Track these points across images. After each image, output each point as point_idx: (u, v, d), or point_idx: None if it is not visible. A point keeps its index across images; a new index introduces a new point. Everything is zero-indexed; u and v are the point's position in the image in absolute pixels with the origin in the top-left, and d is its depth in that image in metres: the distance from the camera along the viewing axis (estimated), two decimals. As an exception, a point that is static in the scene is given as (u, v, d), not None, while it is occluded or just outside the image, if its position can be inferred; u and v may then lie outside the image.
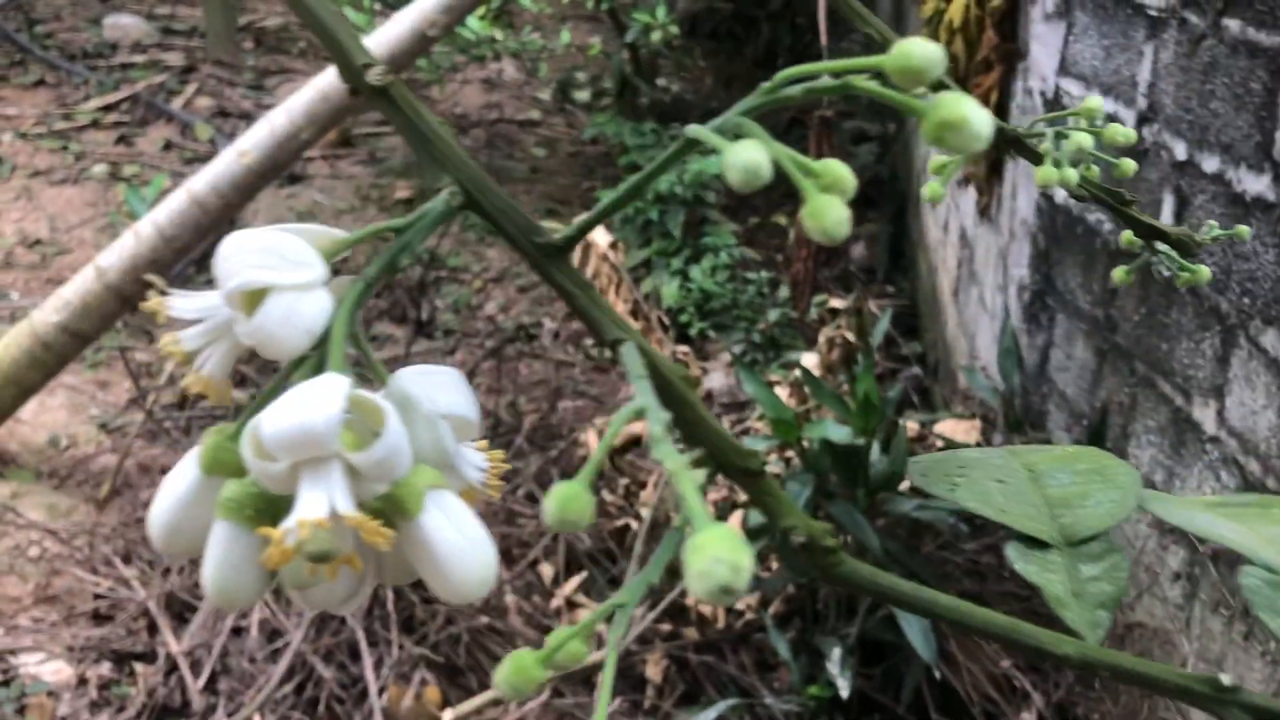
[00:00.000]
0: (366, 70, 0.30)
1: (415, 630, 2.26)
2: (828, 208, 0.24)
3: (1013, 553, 0.34)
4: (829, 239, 0.24)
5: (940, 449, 2.17)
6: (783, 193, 4.14)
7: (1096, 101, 0.46)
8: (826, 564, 0.28)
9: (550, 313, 3.50)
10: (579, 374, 3.22)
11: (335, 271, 0.30)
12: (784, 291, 3.50)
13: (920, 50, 0.24)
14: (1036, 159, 0.47)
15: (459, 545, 0.28)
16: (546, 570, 2.45)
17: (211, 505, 0.29)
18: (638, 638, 2.20)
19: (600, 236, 2.82)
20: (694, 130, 0.26)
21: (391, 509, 0.29)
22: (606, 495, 2.65)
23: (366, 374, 0.31)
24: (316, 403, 0.27)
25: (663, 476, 2.40)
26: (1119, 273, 0.50)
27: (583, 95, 4.92)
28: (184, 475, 0.30)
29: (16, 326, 2.59)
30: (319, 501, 0.27)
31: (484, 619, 2.29)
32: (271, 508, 0.28)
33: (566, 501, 0.24)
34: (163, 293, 0.31)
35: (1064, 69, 2.03)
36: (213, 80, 5.10)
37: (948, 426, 2.33)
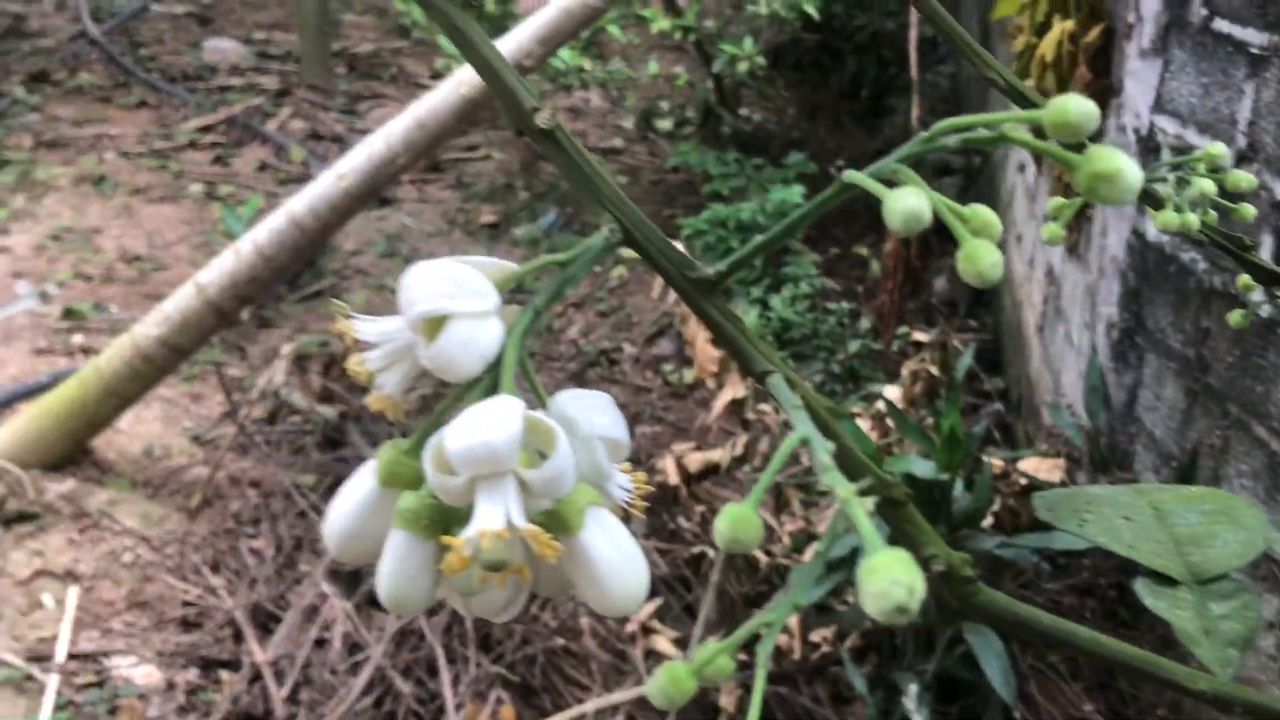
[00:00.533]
0: (534, 114, 0.32)
1: (492, 649, 2.29)
2: (982, 252, 0.25)
3: (1142, 588, 0.35)
4: (983, 281, 0.26)
5: (1024, 486, 2.14)
6: (864, 224, 4.13)
7: (1218, 148, 0.47)
8: (964, 593, 0.29)
9: (630, 338, 3.53)
10: (657, 400, 3.23)
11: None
12: (865, 322, 3.48)
13: (1077, 106, 0.25)
14: (1156, 204, 0.48)
15: (616, 561, 0.30)
16: (622, 595, 2.46)
17: (385, 515, 0.31)
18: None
19: (683, 264, 2.84)
20: (851, 176, 0.28)
21: (553, 524, 0.30)
22: (682, 522, 2.65)
23: (529, 396, 0.33)
24: (497, 422, 0.29)
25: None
26: (1235, 316, 0.51)
27: (665, 124, 4.97)
28: (361, 486, 0.33)
29: (118, 339, 2.69)
30: (497, 514, 0.29)
31: (559, 640, 2.31)
32: (444, 519, 0.30)
33: (738, 523, 0.25)
34: (348, 316, 0.33)
35: (1159, 106, 2.01)
36: (306, 104, 5.24)
37: (1032, 464, 2.30)
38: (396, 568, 0.31)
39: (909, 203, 0.25)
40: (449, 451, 0.29)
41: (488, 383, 0.31)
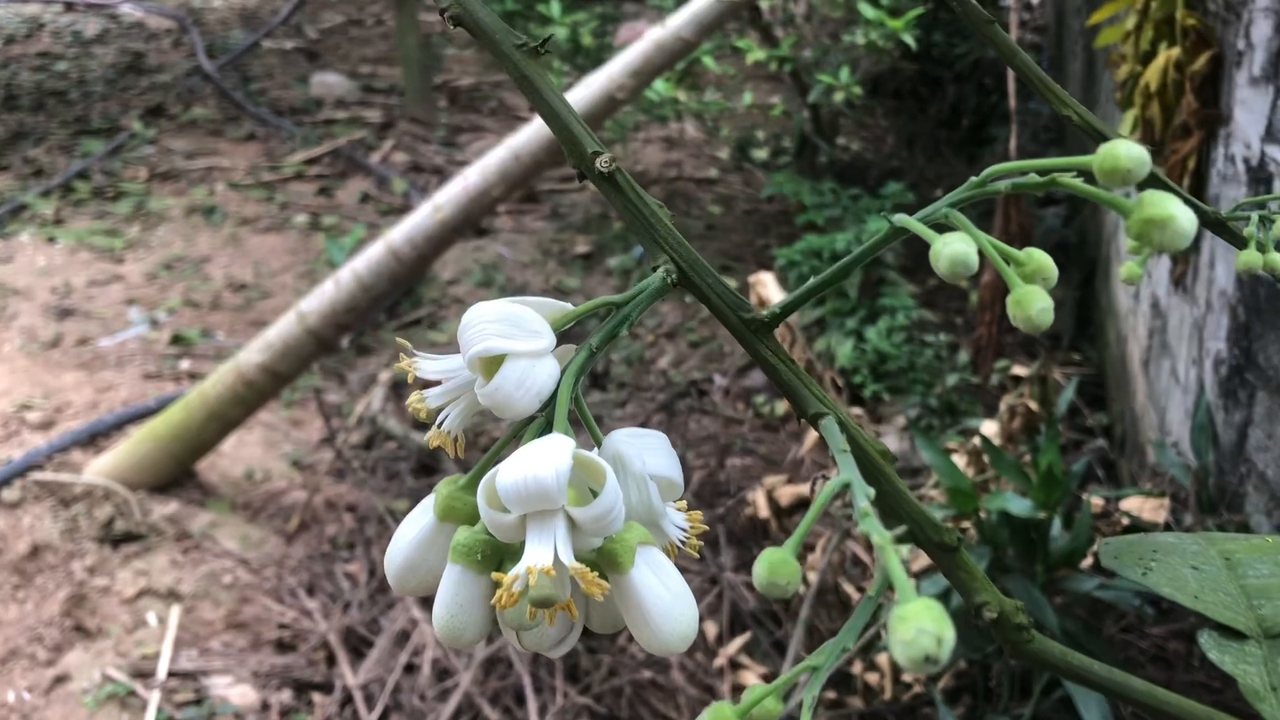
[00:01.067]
0: (595, 158, 0.32)
1: (580, 680, 2.30)
2: (1032, 297, 0.25)
3: (1206, 641, 0.34)
4: (1033, 327, 0.25)
5: (1126, 526, 2.08)
6: (963, 256, 4.07)
7: (1305, 186, 0.45)
8: (1017, 640, 0.29)
9: (722, 369, 3.52)
10: (748, 432, 3.22)
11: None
12: (963, 356, 3.43)
13: (1127, 152, 0.25)
14: (1240, 242, 0.47)
15: (666, 600, 0.30)
16: (710, 628, 2.45)
17: (442, 548, 0.32)
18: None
19: (774, 294, 2.83)
20: (901, 220, 0.28)
21: (604, 562, 0.31)
22: (773, 555, 2.63)
23: (581, 433, 0.34)
24: (547, 460, 0.29)
25: (830, 541, 2.38)
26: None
27: (761, 154, 4.97)
28: (419, 521, 0.33)
29: (224, 365, 2.78)
30: (545, 550, 0.29)
31: (647, 674, 2.31)
32: (498, 554, 0.31)
33: (775, 567, 0.25)
34: (410, 354, 0.34)
35: (1270, 135, 1.95)
36: (408, 136, 5.36)
37: (1135, 503, 2.24)
38: (451, 600, 0.31)
39: (956, 248, 0.25)
40: (500, 489, 0.29)
41: (542, 421, 0.31)
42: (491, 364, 0.31)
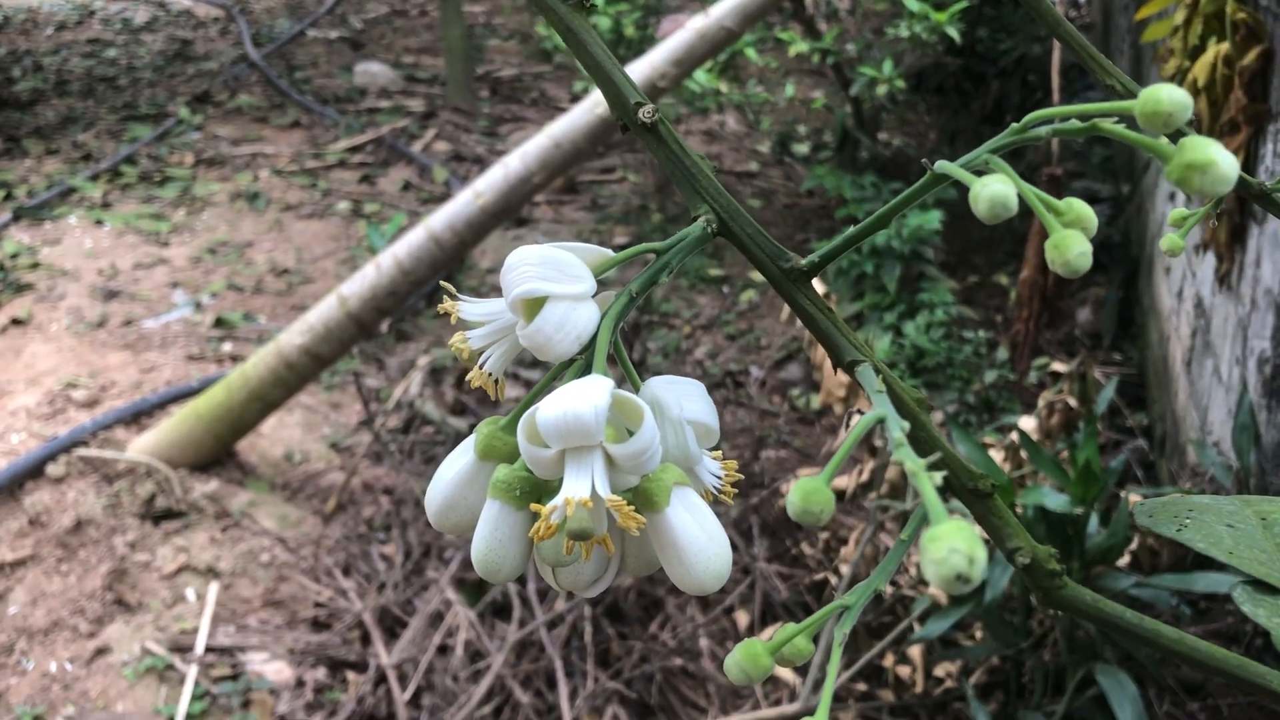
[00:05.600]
0: (638, 109, 0.33)
1: (611, 665, 2.30)
2: (1071, 240, 0.25)
3: (1240, 595, 0.34)
4: (1071, 271, 0.26)
5: (1163, 524, 2.06)
6: (1006, 251, 4.04)
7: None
8: (1049, 586, 0.29)
9: (758, 361, 3.52)
10: (783, 424, 3.22)
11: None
12: (1002, 353, 3.40)
13: (1169, 95, 0.25)
14: (1283, 214, 0.46)
15: (700, 539, 0.31)
16: (742, 618, 2.45)
17: (481, 487, 0.33)
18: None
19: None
20: (943, 166, 0.28)
21: (640, 501, 0.31)
22: (806, 549, 2.63)
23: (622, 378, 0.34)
24: (586, 397, 0.30)
25: (864, 533, 2.38)
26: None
27: (802, 148, 4.95)
28: (460, 460, 0.34)
29: (265, 347, 2.81)
30: (583, 484, 0.30)
31: (678, 661, 2.31)
32: (537, 491, 0.31)
33: (809, 494, 0.26)
34: (454, 297, 0.35)
35: (1319, 132, 1.92)
36: (450, 126, 5.39)
37: (1172, 502, 2.21)
38: (490, 534, 0.32)
39: (995, 189, 0.25)
40: (540, 423, 0.30)
41: (582, 363, 0.32)
42: (533, 306, 0.32)
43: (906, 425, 0.24)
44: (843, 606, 0.29)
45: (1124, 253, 3.72)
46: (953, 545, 0.21)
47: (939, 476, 0.22)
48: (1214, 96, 2.24)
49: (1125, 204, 3.93)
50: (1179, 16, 2.34)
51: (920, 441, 0.30)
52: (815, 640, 0.31)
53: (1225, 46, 2.20)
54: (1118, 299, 3.62)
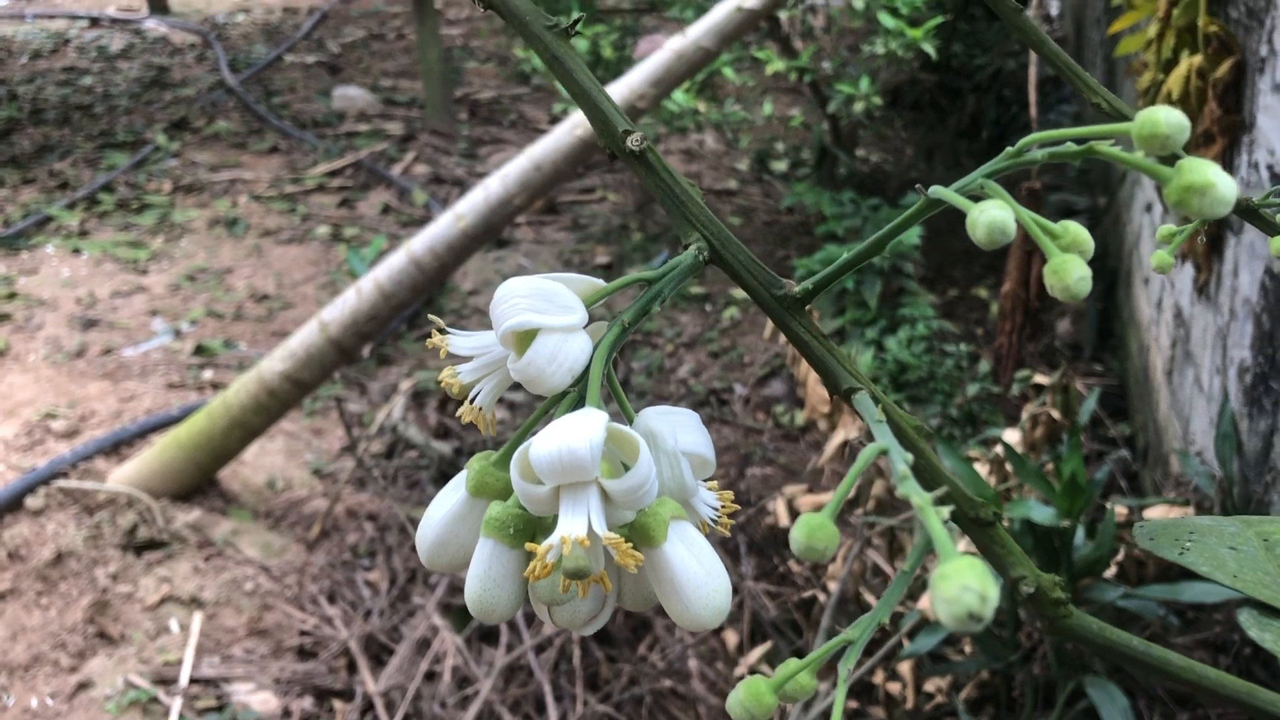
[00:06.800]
0: (626, 137, 0.32)
1: (600, 688, 2.29)
2: (1070, 265, 0.25)
3: (1246, 619, 0.33)
4: (1071, 296, 0.25)
5: (1149, 535, 2.07)
6: (983, 264, 4.06)
7: (1339, 172, 0.45)
8: (1054, 615, 0.29)
9: (742, 379, 3.52)
10: (768, 441, 3.21)
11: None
12: (983, 366, 3.41)
13: (1167, 117, 0.25)
14: (1272, 229, 0.46)
15: (699, 575, 0.30)
16: (731, 637, 2.44)
17: (474, 525, 0.32)
18: (821, 712, 2.16)
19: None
20: (937, 191, 0.28)
21: (637, 536, 0.31)
22: (794, 566, 2.62)
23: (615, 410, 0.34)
24: (581, 432, 0.29)
25: (851, 550, 2.37)
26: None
27: (780, 166, 4.97)
28: (451, 497, 0.33)
29: (246, 374, 2.79)
30: (579, 521, 0.29)
31: (667, 682, 2.30)
32: (530, 528, 0.31)
33: (814, 531, 0.25)
34: (443, 330, 0.34)
35: (1293, 142, 1.93)
36: (429, 148, 5.39)
37: (1159, 512, 2.22)
38: (484, 574, 0.31)
39: (993, 214, 0.25)
40: (534, 459, 0.29)
41: (575, 396, 0.31)
42: (524, 339, 0.31)
43: (910, 457, 0.24)
44: (846, 641, 0.28)
45: (1102, 264, 3.74)
46: (964, 583, 0.20)
47: (946, 511, 0.21)
48: (1188, 109, 2.25)
49: (1102, 216, 3.96)
50: (1152, 30, 2.36)
51: (920, 471, 0.30)
52: (799, 655, 0.31)
53: (1198, 59, 2.22)
54: (1097, 310, 3.64)
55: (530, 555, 0.30)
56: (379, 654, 2.40)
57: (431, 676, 2.31)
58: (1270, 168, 2.04)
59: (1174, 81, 2.27)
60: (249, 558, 2.62)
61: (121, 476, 2.73)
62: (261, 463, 3.00)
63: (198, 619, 2.42)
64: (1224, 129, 2.19)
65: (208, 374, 3.45)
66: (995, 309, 3.67)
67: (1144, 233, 3.11)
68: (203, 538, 2.64)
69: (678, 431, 0.33)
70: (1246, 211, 0.49)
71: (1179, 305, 2.69)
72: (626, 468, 0.30)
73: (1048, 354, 3.55)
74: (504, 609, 0.32)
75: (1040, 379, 2.76)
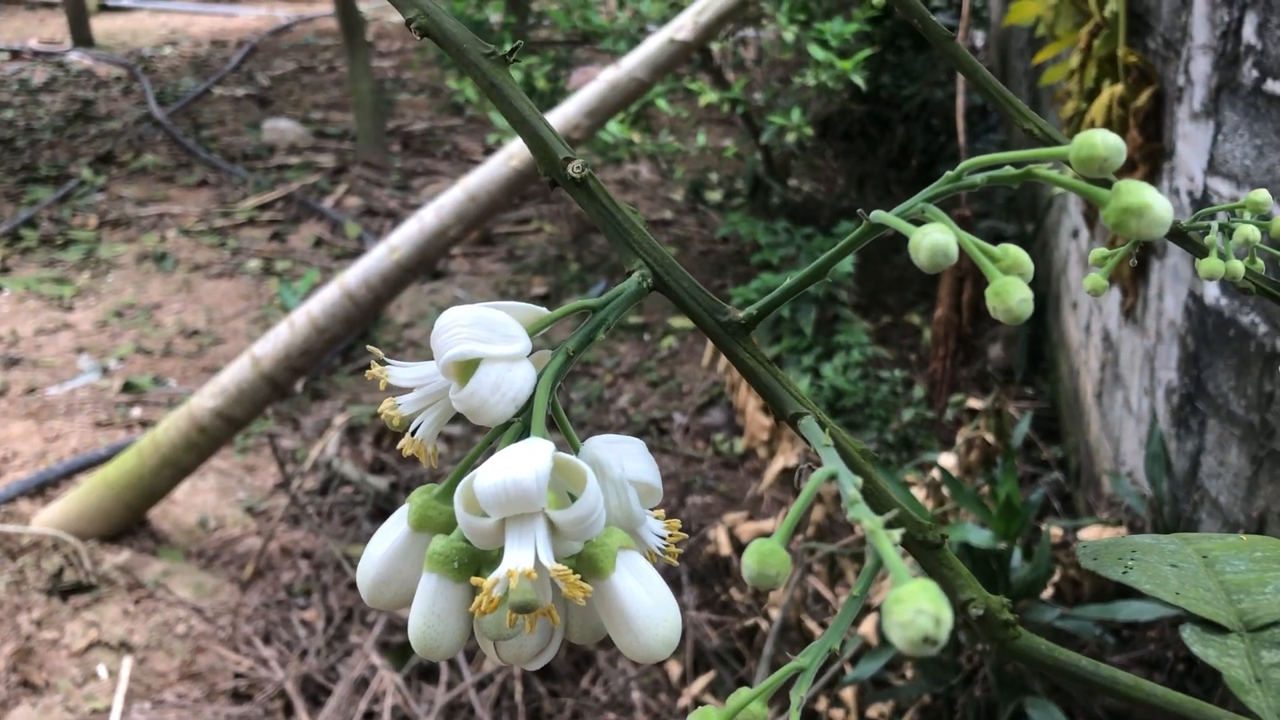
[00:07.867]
0: (567, 164, 0.32)
1: (542, 722, 2.26)
2: (1012, 287, 0.25)
3: (1190, 635, 0.33)
4: (1013, 318, 0.25)
5: (1084, 555, 2.10)
6: (916, 291, 4.12)
7: (1263, 195, 0.46)
8: (1004, 637, 0.29)
9: (681, 408, 3.52)
10: (708, 469, 3.22)
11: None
12: (918, 391, 3.45)
13: (1104, 140, 0.25)
14: (1200, 251, 0.47)
15: (648, 605, 0.30)
16: (674, 668, 2.43)
17: (417, 559, 0.31)
18: (766, 740, 2.16)
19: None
20: (879, 216, 0.28)
21: (585, 568, 0.30)
22: (735, 594, 2.62)
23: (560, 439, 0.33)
24: (527, 462, 0.29)
25: (792, 577, 2.38)
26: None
27: (715, 196, 5.01)
28: (392, 532, 0.33)
29: (176, 411, 2.73)
30: (525, 554, 0.28)
31: (611, 716, 2.28)
32: (475, 562, 0.30)
33: (765, 557, 0.25)
34: (382, 362, 0.33)
35: (1213, 168, 1.99)
36: (362, 180, 5.35)
37: (1093, 533, 2.26)
38: (428, 610, 0.31)
39: (936, 238, 0.25)
40: (478, 491, 0.29)
41: (519, 426, 0.31)
42: (466, 369, 0.31)
43: (859, 481, 0.24)
44: (798, 669, 0.28)
45: (1031, 289, 3.80)
46: (918, 607, 0.20)
47: (897, 534, 0.21)
48: (1111, 137, 2.31)
49: (1030, 241, 4.04)
50: (1074, 61, 2.42)
51: (868, 494, 0.30)
52: (743, 684, 0.31)
53: (1119, 88, 2.28)
54: (1027, 335, 3.70)
55: (475, 590, 0.29)
56: (316, 694, 2.35)
57: (371, 716, 2.27)
58: (1190, 193, 2.10)
59: (1097, 110, 2.33)
60: (181, 599, 2.55)
61: (47, 519, 2.66)
62: (193, 501, 2.94)
63: (127, 664, 2.36)
64: (1145, 156, 2.25)
65: (136, 412, 3.38)
66: (929, 335, 3.72)
67: (1071, 257, 3.18)
68: (132, 580, 2.57)
69: (624, 460, 0.33)
70: (1176, 234, 0.50)
71: (1107, 328, 2.75)
72: (573, 498, 0.30)
73: (980, 378, 3.60)
74: (449, 645, 0.31)
75: (974, 403, 2.80)
